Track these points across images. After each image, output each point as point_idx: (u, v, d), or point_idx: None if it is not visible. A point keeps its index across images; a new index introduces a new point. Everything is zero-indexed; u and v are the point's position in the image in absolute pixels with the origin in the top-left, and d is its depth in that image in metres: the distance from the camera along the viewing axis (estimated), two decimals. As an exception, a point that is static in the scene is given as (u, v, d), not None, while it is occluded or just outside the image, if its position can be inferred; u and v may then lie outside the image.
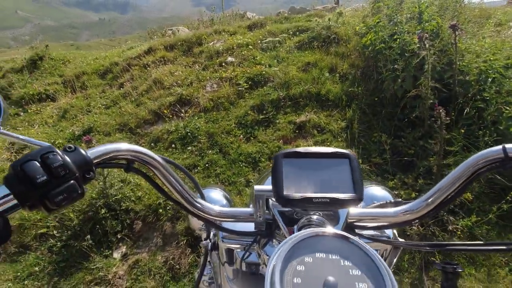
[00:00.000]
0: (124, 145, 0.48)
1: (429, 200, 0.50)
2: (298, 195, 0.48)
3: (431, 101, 2.20)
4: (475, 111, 2.22)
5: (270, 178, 0.54)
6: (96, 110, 3.73)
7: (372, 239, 0.55)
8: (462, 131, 2.12)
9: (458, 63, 2.35)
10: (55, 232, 2.39)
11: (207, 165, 2.61)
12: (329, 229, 0.42)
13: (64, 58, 5.42)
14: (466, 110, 2.25)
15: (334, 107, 2.84)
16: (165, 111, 3.16)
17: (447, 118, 2.02)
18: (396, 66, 2.51)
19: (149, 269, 2.07)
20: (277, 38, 3.79)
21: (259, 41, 3.98)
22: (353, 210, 0.55)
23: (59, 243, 2.34)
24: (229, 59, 3.74)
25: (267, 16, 4.95)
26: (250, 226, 0.58)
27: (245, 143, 2.71)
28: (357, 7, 4.88)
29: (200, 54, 4.08)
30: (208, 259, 0.76)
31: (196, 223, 0.83)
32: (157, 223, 2.26)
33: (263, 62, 3.56)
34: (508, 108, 2.08)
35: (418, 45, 2.28)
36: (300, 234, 0.40)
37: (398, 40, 2.57)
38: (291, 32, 4.01)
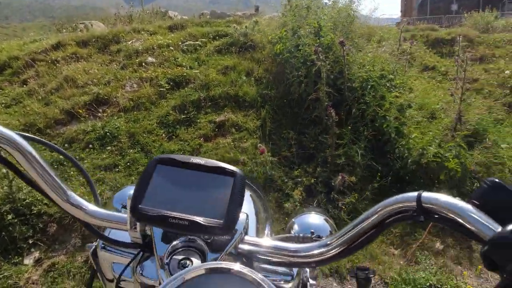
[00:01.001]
0: None
1: (331, 246, 0.44)
2: (154, 210, 0.41)
3: (326, 103, 2.66)
4: (359, 111, 2.76)
5: None
6: (-6, 109, 3.33)
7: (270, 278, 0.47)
8: (349, 127, 2.63)
9: (346, 72, 2.88)
10: None
11: (128, 164, 2.63)
12: (216, 263, 0.35)
13: None
14: (352, 111, 2.78)
15: (250, 108, 3.15)
16: (80, 110, 3.03)
17: (337, 117, 2.49)
18: (299, 73, 2.94)
19: (67, 271, 2.03)
20: (197, 42, 3.95)
21: (180, 43, 4.07)
22: (249, 238, 0.49)
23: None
24: (149, 59, 3.75)
25: (188, 18, 5.06)
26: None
27: (167, 142, 2.81)
28: (274, 16, 5.35)
29: (117, 52, 3.97)
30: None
31: None
32: (75, 224, 2.21)
33: (184, 64, 3.68)
34: (380, 109, 2.66)
35: (315, 56, 2.72)
36: (172, 281, 0.33)
37: (301, 50, 3.00)
38: (211, 36, 4.22)
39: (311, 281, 0.59)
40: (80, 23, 6.08)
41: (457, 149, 2.34)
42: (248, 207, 0.56)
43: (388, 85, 2.97)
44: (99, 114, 3.07)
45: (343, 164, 2.47)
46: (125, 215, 0.48)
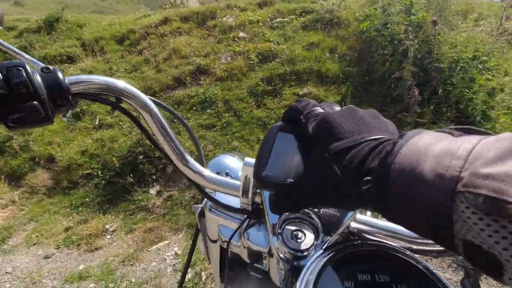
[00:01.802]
0: (112, 81, 0.44)
1: None
2: (281, 178, 0.39)
3: (410, 82, 2.75)
4: (444, 92, 2.78)
5: None
6: (119, 74, 4.15)
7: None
8: (432, 107, 2.69)
9: (435, 52, 2.88)
10: (99, 172, 2.93)
11: (224, 125, 3.14)
12: (374, 242, 0.35)
13: (79, 21, 5.68)
14: (439, 91, 2.81)
15: (332, 83, 3.36)
16: (186, 78, 3.63)
17: (420, 97, 2.58)
18: (385, 51, 3.02)
19: (180, 202, 2.65)
20: (285, 19, 4.21)
21: (269, 19, 4.38)
22: (361, 216, 0.47)
23: (103, 181, 2.89)
24: (241, 34, 4.17)
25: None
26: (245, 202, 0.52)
27: (256, 109, 3.24)
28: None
29: (214, 27, 4.47)
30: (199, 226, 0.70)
31: None
32: (186, 168, 2.81)
33: (271, 39, 4.00)
34: (468, 91, 2.65)
35: (404, 35, 2.78)
36: (333, 250, 0.32)
37: (389, 29, 3.06)
38: (298, 13, 4.42)
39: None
40: (178, -1, 6.77)
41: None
42: None
43: (480, 67, 2.89)
44: (201, 81, 3.63)
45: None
46: (238, 182, 0.50)
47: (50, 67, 0.39)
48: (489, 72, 2.78)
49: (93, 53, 4.77)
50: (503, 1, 5.92)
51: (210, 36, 4.36)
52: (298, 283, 0.31)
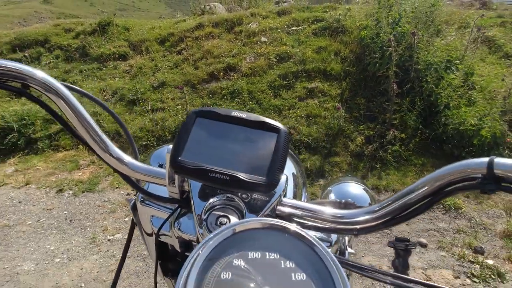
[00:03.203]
0: (15, 64, 0.42)
1: (383, 211, 0.43)
2: (194, 163, 0.41)
3: (392, 79, 3.57)
4: (419, 88, 3.60)
5: None
6: (163, 70, 5.15)
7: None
8: (408, 99, 3.52)
9: (415, 57, 3.69)
10: (154, 143, 3.91)
11: (248, 110, 4.06)
12: (268, 219, 0.33)
13: (125, 25, 6.74)
14: (414, 87, 3.62)
15: (335, 80, 4.22)
16: (219, 73, 4.58)
17: (398, 90, 3.42)
18: (376, 55, 3.86)
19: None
20: (299, 27, 5.09)
21: (286, 26, 5.27)
22: (287, 200, 0.48)
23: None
24: (263, 39, 5.08)
25: (292, 5, 6.15)
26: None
27: (273, 99, 4.14)
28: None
29: (240, 32, 5.40)
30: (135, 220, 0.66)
31: None
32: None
33: (287, 43, 4.89)
34: (436, 87, 3.45)
35: (388, 44, 3.61)
36: (226, 231, 0.31)
37: (380, 38, 3.89)
38: (310, 21, 5.28)
39: (349, 250, 0.57)
40: (207, 5, 7.75)
41: (492, 121, 3.07)
42: (286, 170, 0.48)
43: (453, 68, 3.67)
44: (230, 77, 4.57)
45: (397, 125, 3.43)
46: (165, 170, 0.49)
47: None
48: (457, 72, 3.56)
49: (141, 52, 5.80)
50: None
51: (237, 39, 5.29)
52: (186, 262, 0.29)
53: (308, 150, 3.48)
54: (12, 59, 5.13)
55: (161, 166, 0.62)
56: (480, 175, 0.34)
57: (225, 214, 0.42)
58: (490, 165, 0.33)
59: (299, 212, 0.47)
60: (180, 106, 4.28)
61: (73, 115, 0.46)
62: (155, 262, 0.61)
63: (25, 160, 4.02)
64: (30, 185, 3.38)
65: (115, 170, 0.51)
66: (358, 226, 0.44)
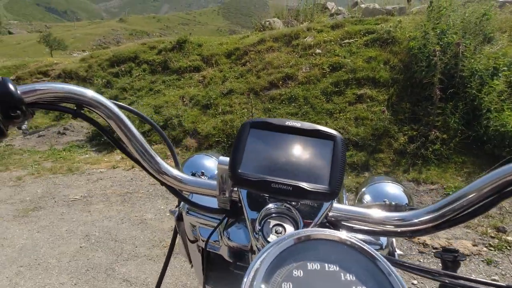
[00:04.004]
0: (67, 86, 0.43)
1: (438, 213, 0.42)
2: (255, 175, 0.42)
3: (437, 86, 3.94)
4: (463, 93, 3.91)
5: None
6: (231, 79, 6.07)
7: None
8: (451, 103, 3.86)
9: (460, 64, 4.01)
10: (225, 139, 4.78)
11: (303, 113, 4.73)
12: (325, 231, 0.33)
13: (198, 42, 7.91)
14: (458, 92, 3.94)
15: (383, 86, 4.68)
16: (279, 82, 5.34)
17: (440, 95, 3.79)
18: (423, 64, 4.25)
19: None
20: (352, 40, 5.63)
21: (339, 39, 5.84)
22: (338, 205, 0.48)
23: (227, 145, 4.72)
24: (317, 51, 5.72)
25: (346, 18, 6.70)
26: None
27: (326, 103, 4.75)
28: (421, 8, 6.34)
29: (297, 46, 6.11)
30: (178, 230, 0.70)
31: None
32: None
33: (340, 54, 5.46)
34: (479, 93, 3.75)
35: (433, 54, 4.00)
36: (286, 240, 0.32)
37: (427, 48, 4.27)
38: (362, 33, 5.78)
39: (398, 251, 0.58)
40: (266, 21, 8.63)
41: (534, 124, 3.29)
42: None
43: (500, 75, 3.91)
44: (288, 84, 5.29)
45: (440, 126, 3.80)
46: (214, 181, 0.51)
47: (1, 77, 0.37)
48: (501, 79, 3.80)
49: (211, 65, 6.84)
50: None
51: (294, 52, 6.01)
52: (247, 271, 0.29)
53: (355, 147, 4.02)
54: (111, 73, 6.62)
55: (193, 174, 0.64)
56: None
57: (281, 222, 0.43)
58: None
59: (350, 217, 0.48)
60: (245, 110, 5.12)
61: (123, 134, 0.48)
62: (203, 271, 0.62)
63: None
64: (135, 168, 4.46)
65: (163, 184, 0.52)
66: (413, 228, 0.44)
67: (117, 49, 9.01)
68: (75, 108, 0.45)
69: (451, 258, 0.44)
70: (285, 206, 0.44)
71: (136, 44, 8.94)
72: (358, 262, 0.30)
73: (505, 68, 3.94)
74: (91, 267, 2.30)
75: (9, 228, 2.83)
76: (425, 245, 2.44)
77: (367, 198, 0.66)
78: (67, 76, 8.67)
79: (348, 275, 0.29)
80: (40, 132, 6.57)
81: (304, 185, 0.41)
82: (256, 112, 4.94)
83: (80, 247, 2.54)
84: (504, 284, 0.39)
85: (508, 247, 2.29)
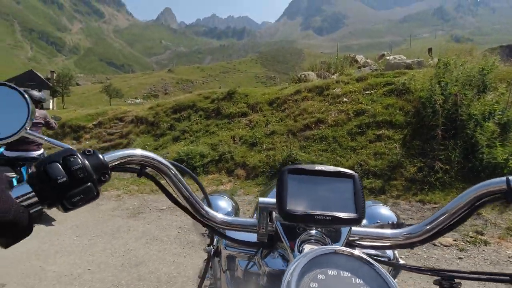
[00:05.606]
0: (138, 151, 0.53)
1: (429, 226, 0.55)
2: (300, 211, 0.52)
3: (439, 128, 4.92)
4: (462, 133, 4.83)
5: (273, 191, 0.58)
6: (272, 123, 7.45)
7: (375, 259, 0.50)
8: (452, 141, 4.79)
9: (460, 111, 4.98)
10: (268, 170, 5.99)
11: (332, 150, 5.85)
12: (341, 247, 0.43)
13: (245, 92, 9.57)
14: (458, 133, 4.87)
15: (398, 128, 5.71)
16: (312, 125, 6.59)
17: (445, 135, 4.76)
18: (429, 110, 5.28)
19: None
20: (373, 91, 6.83)
21: (362, 89, 7.07)
22: (355, 228, 0.59)
23: (270, 174, 5.92)
24: (344, 99, 6.96)
25: (369, 72, 7.97)
26: (252, 236, 0.61)
27: (350, 141, 5.85)
28: (434, 63, 7.43)
29: (327, 95, 7.42)
30: (210, 264, 0.82)
31: (199, 228, 0.91)
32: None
33: (363, 102, 6.64)
34: (475, 133, 4.65)
35: (434, 103, 5.04)
36: (314, 252, 0.41)
37: (432, 98, 5.33)
38: (382, 85, 6.96)
39: (401, 261, 0.70)
40: (302, 74, 10.19)
41: (518, 156, 4.12)
42: None
43: (496, 118, 4.81)
44: (319, 127, 6.51)
45: (443, 159, 4.71)
46: (253, 219, 0.63)
47: (90, 149, 0.46)
48: (492, 121, 4.69)
49: (256, 111, 8.34)
50: None
51: (325, 100, 7.31)
52: (284, 277, 0.39)
53: (373, 176, 5.01)
54: (174, 118, 8.51)
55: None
56: (503, 189, 0.48)
57: (316, 245, 0.52)
58: (508, 182, 0.47)
59: (363, 236, 0.60)
60: (285, 147, 6.37)
61: (177, 188, 0.58)
62: None
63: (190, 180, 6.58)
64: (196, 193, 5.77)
65: (211, 229, 0.62)
66: (414, 240, 0.56)
67: (178, 99, 11.02)
68: (140, 168, 0.54)
69: (448, 285, 0.50)
70: (315, 232, 0.55)
71: (194, 95, 10.89)
72: (364, 270, 0.40)
73: (500, 112, 4.85)
74: (190, 241, 3.50)
75: (128, 222, 4.16)
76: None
77: (364, 221, 0.76)
78: (139, 121, 10.71)
79: (357, 279, 0.39)
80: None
81: (339, 214, 0.51)
82: (294, 148, 6.16)
83: (178, 232, 3.76)
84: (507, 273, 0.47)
85: (480, 242, 3.12)
